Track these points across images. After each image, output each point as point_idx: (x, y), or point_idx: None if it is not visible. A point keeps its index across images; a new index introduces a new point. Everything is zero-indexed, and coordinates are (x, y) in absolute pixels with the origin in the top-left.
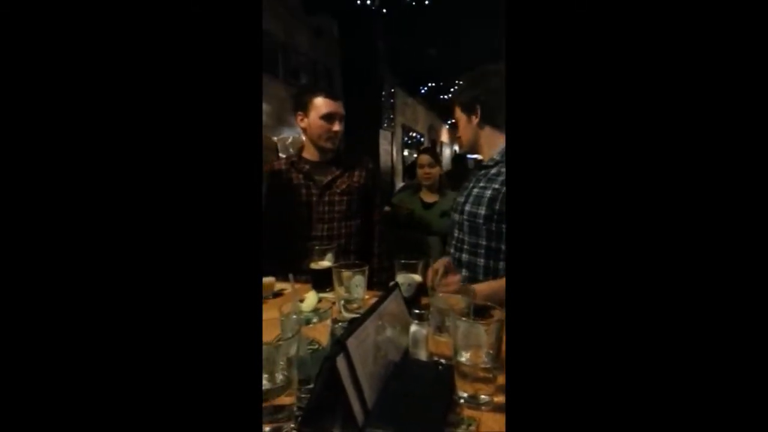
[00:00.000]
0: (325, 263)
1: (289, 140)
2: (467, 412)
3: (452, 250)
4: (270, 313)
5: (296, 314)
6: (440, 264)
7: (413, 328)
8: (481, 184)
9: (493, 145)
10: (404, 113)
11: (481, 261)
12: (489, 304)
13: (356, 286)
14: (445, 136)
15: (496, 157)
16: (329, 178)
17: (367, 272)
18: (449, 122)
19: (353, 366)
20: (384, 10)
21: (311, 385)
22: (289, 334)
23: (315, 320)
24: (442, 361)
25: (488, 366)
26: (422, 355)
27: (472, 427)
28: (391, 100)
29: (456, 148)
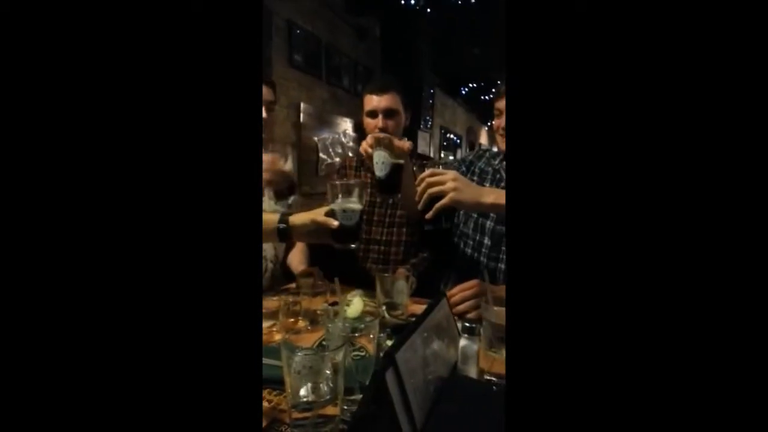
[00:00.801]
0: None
1: (329, 140)
2: None
3: (484, 260)
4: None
5: (342, 320)
6: (467, 287)
7: (463, 342)
8: None
9: None
10: (443, 115)
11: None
12: None
13: (399, 292)
14: (483, 138)
15: None
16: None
17: (410, 278)
18: (489, 124)
19: (402, 381)
20: (428, 10)
21: (355, 396)
22: (337, 341)
23: (362, 327)
24: (494, 379)
25: None
26: (472, 372)
27: None
28: (430, 101)
29: (494, 149)
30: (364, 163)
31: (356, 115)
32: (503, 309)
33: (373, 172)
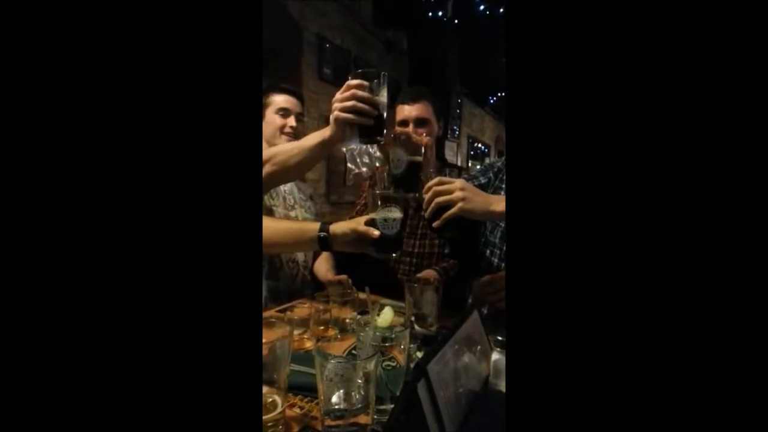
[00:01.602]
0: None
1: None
2: None
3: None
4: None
5: (373, 330)
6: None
7: (495, 356)
8: None
9: None
10: (471, 124)
11: None
12: None
13: (428, 302)
14: None
15: None
16: None
17: (440, 289)
18: None
19: (434, 393)
20: (455, 21)
21: (385, 405)
22: (368, 350)
23: (392, 337)
24: None
25: None
26: (504, 387)
27: None
28: (458, 111)
29: None
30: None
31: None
32: None
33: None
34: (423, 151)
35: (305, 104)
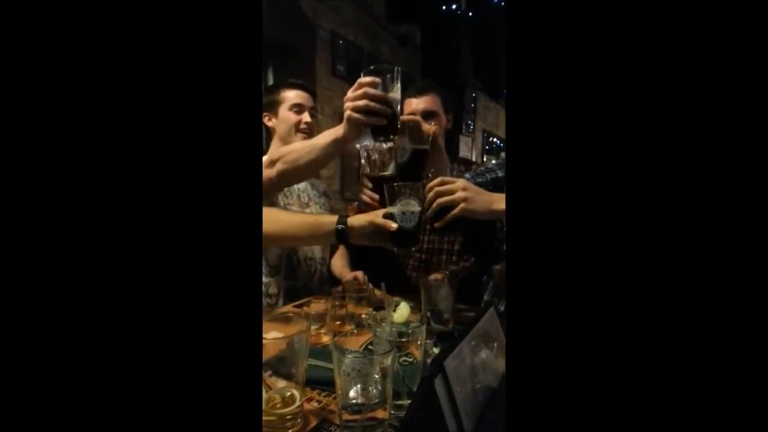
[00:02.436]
0: (387, 172)
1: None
2: None
3: None
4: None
5: (389, 325)
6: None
7: None
8: None
9: None
10: (485, 118)
11: None
12: None
13: (444, 298)
14: None
15: None
16: None
17: (455, 284)
18: None
19: (451, 388)
20: (470, 14)
21: (402, 401)
22: (384, 345)
23: (408, 332)
24: None
25: None
26: None
27: None
28: (472, 105)
29: None
30: (385, 151)
31: None
32: None
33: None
34: (429, 139)
35: (319, 101)
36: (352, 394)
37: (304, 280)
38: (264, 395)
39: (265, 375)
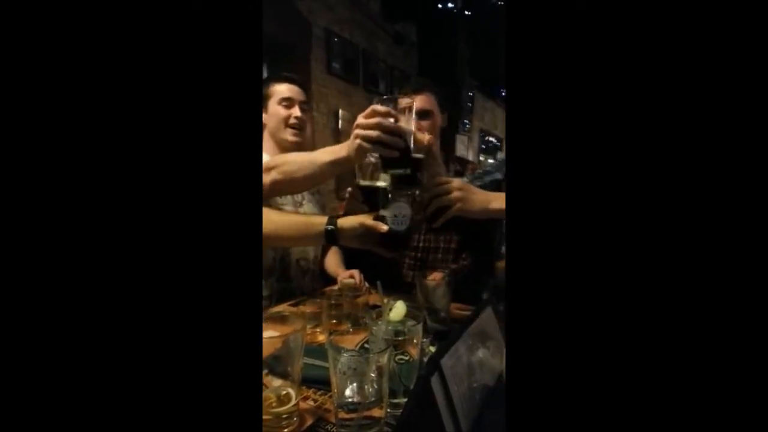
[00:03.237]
0: (380, 183)
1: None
2: None
3: None
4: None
5: (385, 324)
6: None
7: None
8: None
9: None
10: (482, 118)
11: None
12: None
13: (440, 297)
14: None
15: None
16: None
17: (452, 282)
18: None
19: (447, 387)
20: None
21: (398, 399)
22: (381, 344)
23: (405, 331)
24: None
25: None
26: None
27: None
28: (469, 104)
29: None
30: (377, 163)
31: None
32: None
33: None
34: (424, 149)
35: (314, 98)
36: (348, 392)
37: (297, 281)
38: None
39: (261, 373)
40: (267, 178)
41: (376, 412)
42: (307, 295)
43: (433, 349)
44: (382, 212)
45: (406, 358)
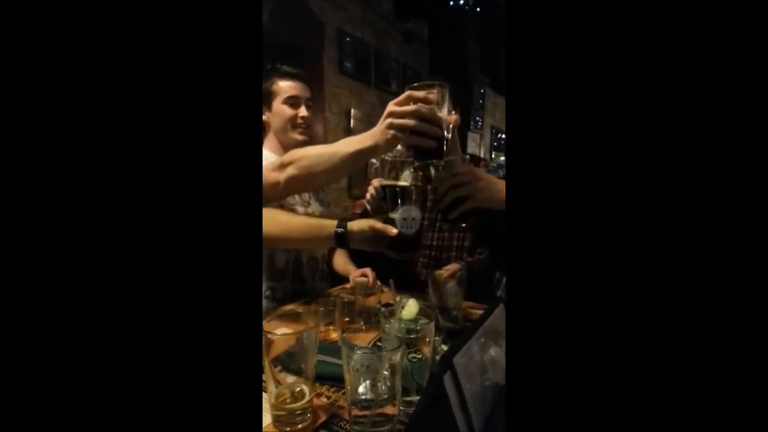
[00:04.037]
0: (402, 182)
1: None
2: None
3: None
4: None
5: (398, 321)
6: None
7: None
8: None
9: None
10: (493, 114)
11: None
12: None
13: (452, 295)
14: None
15: None
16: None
17: (465, 281)
18: None
19: (460, 385)
20: (477, 9)
21: (411, 397)
22: (393, 342)
23: (417, 329)
24: None
25: None
26: None
27: None
28: (480, 101)
29: None
30: (398, 162)
31: None
32: None
33: (426, 176)
34: (450, 127)
35: (326, 99)
36: (361, 389)
37: (310, 285)
38: (274, 390)
39: (275, 370)
40: (283, 175)
41: (390, 410)
42: (318, 295)
43: (445, 347)
44: (392, 215)
45: (419, 356)
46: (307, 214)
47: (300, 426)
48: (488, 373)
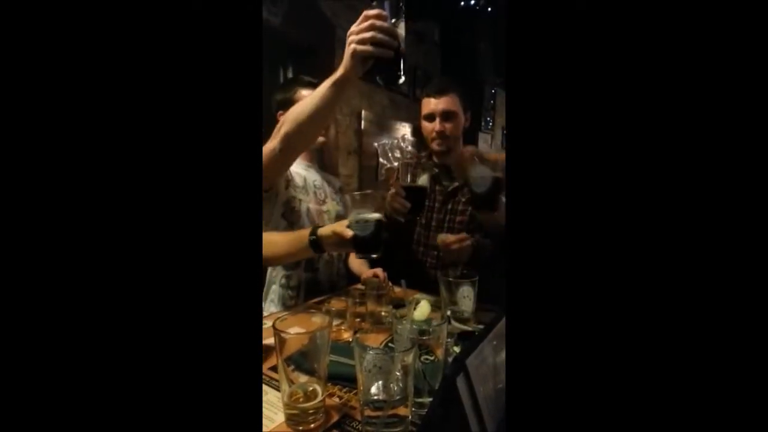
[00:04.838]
0: (421, 182)
1: (389, 146)
2: None
3: None
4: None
5: (410, 323)
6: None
7: None
8: None
9: None
10: (505, 115)
11: None
12: None
13: (464, 297)
14: None
15: None
16: (456, 185)
17: (477, 283)
18: None
19: (473, 387)
20: (488, 9)
21: (423, 398)
22: (405, 343)
23: (430, 331)
24: None
25: None
26: None
27: None
28: (492, 101)
29: None
30: (418, 165)
31: (414, 119)
32: None
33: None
34: (502, 166)
35: None
36: (373, 390)
37: (325, 274)
38: (287, 389)
39: (288, 369)
40: (276, 139)
41: (402, 411)
42: (333, 292)
43: (457, 349)
44: (349, 217)
45: (432, 358)
46: (322, 212)
47: (312, 425)
48: (501, 376)
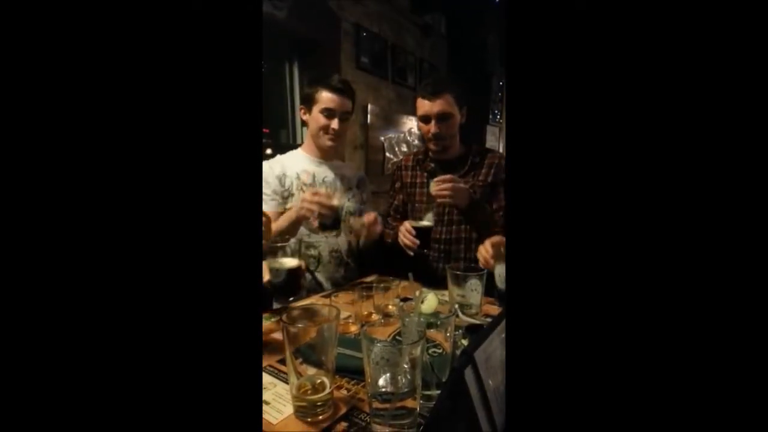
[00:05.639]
0: (425, 222)
1: (395, 140)
2: None
3: None
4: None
5: (417, 315)
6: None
7: None
8: None
9: None
10: None
11: None
12: None
13: (472, 290)
14: None
15: None
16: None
17: (485, 276)
18: None
19: (481, 380)
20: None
21: (431, 391)
22: (413, 336)
23: (437, 323)
24: None
25: None
26: None
27: None
28: (499, 94)
29: None
30: (420, 162)
31: None
32: None
33: (428, 171)
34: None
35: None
36: (381, 382)
37: (330, 273)
38: (295, 382)
39: (296, 362)
40: (272, 230)
41: (410, 403)
42: (342, 286)
43: (465, 342)
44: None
45: (440, 350)
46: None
47: (321, 417)
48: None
